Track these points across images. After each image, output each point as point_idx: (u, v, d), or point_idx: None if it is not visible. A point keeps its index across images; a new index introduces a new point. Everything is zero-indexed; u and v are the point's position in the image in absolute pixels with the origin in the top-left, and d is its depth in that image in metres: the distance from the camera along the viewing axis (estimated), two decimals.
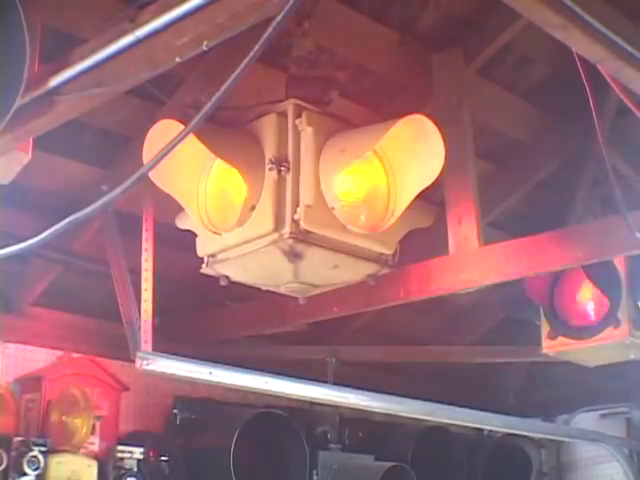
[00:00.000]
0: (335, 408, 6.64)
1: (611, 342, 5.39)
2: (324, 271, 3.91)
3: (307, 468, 6.21)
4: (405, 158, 3.82)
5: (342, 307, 5.18)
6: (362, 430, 7.12)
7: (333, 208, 3.63)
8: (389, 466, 6.48)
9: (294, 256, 3.70)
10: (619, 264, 5.41)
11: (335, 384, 5.77)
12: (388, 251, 3.93)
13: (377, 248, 3.89)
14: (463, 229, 4.66)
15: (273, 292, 4.19)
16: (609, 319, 5.38)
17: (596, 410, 8.07)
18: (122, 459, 5.72)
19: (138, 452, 5.78)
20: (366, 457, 6.79)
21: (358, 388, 5.49)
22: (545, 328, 5.70)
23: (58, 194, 5.17)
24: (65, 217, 2.93)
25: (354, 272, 4.00)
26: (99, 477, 5.55)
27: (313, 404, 6.58)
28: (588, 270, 5.35)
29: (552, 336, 5.66)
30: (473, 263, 4.64)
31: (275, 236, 3.63)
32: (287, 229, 3.59)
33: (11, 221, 4.85)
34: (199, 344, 5.93)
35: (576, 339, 5.55)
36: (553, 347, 5.67)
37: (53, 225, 2.96)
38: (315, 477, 6.46)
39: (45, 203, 5.12)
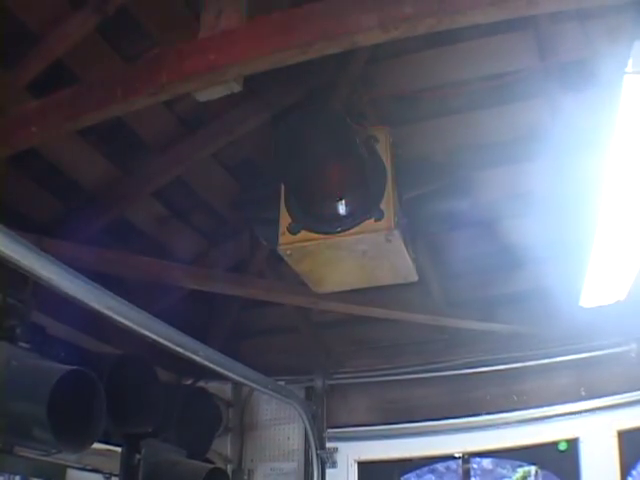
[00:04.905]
0: None
1: (370, 235, 4.42)
2: None
3: None
4: None
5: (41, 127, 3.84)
6: None
7: None
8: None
9: None
10: (383, 151, 4.55)
11: None
12: None
13: None
14: None
15: None
16: (370, 209, 4.43)
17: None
18: None
19: None
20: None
21: None
22: (285, 220, 4.63)
23: None
24: None
25: None
26: None
27: None
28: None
29: (293, 230, 4.61)
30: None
31: None
32: None
33: None
34: None
35: (324, 233, 4.52)
36: (291, 244, 4.61)
37: None
38: None
39: None
